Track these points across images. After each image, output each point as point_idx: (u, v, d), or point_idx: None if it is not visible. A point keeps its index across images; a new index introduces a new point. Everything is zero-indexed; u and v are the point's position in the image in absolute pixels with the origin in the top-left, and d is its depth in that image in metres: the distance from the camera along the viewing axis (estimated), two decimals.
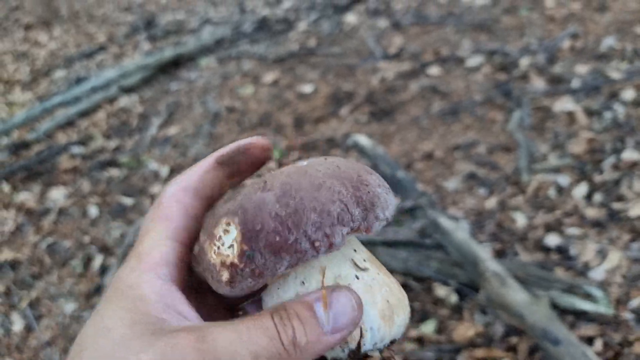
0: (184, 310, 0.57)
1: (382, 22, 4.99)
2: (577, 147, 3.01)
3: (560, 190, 2.80)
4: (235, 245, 0.57)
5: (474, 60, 4.05)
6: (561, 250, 2.48)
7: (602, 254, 2.42)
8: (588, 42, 3.94)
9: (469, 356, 2.09)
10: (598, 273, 2.33)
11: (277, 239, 0.56)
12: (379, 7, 5.32)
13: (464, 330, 2.19)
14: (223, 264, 0.58)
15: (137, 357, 0.49)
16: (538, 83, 3.63)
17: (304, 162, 0.65)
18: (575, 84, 3.52)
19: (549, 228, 2.60)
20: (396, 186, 2.96)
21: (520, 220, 2.67)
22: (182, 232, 0.63)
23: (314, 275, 0.61)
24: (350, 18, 5.21)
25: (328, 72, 4.30)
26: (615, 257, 2.39)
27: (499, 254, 2.49)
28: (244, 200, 0.59)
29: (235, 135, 3.72)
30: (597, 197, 2.71)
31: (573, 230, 2.56)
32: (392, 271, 0.67)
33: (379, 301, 0.62)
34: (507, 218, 2.69)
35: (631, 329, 2.09)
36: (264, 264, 0.56)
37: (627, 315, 2.14)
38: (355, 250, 0.65)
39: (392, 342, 0.62)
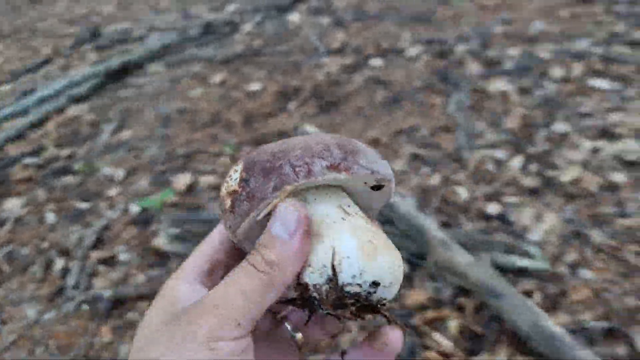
0: None
1: (325, 20, 5.14)
2: (512, 123, 3.21)
3: (498, 163, 2.97)
4: (238, 176, 0.70)
5: (413, 51, 4.23)
6: (501, 217, 2.65)
7: (539, 218, 2.60)
8: (518, 27, 4.17)
9: (421, 318, 2.23)
10: (535, 234, 2.51)
11: (268, 165, 0.69)
12: (320, 5, 5.47)
13: (416, 296, 2.33)
14: (228, 193, 0.71)
15: (162, 339, 0.64)
16: (474, 67, 3.83)
17: None
18: (508, 65, 3.73)
19: (489, 198, 2.77)
20: None
21: (462, 193, 2.83)
22: (219, 252, 0.79)
23: None
24: (294, 17, 5.34)
25: (274, 70, 4.41)
26: (550, 219, 2.57)
27: (445, 226, 2.64)
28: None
29: (188, 134, 3.79)
30: (532, 167, 2.89)
31: (511, 199, 2.74)
32: None
33: (361, 238, 0.67)
34: (450, 192, 2.85)
35: (566, 282, 2.27)
36: (256, 186, 0.68)
37: (562, 270, 2.32)
38: (349, 206, 0.73)
39: (375, 283, 0.66)
